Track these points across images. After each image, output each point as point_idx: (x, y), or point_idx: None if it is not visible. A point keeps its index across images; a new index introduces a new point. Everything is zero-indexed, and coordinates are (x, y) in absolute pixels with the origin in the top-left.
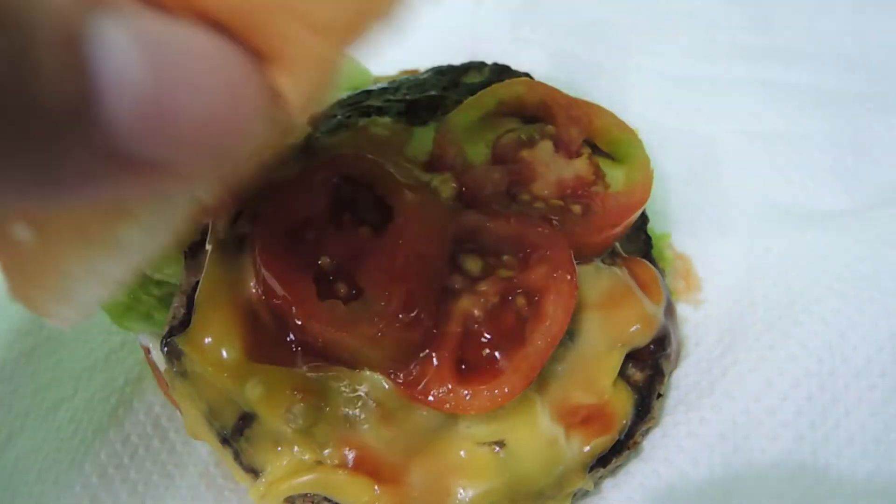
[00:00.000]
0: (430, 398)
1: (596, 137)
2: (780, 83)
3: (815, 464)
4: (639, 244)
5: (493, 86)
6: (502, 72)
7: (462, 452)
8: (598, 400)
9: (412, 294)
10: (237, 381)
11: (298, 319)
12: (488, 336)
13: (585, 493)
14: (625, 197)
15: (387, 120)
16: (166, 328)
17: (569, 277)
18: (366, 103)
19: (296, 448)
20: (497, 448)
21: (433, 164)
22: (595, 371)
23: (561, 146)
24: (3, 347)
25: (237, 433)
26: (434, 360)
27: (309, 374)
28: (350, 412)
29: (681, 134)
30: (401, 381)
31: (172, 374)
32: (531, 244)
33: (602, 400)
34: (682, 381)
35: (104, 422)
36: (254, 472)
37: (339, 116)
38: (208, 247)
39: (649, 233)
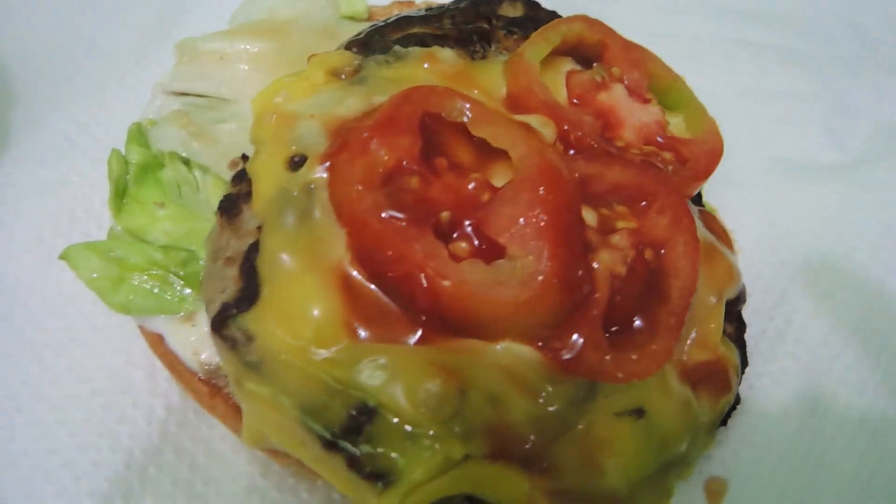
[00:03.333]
0: (589, 368)
1: (650, 83)
2: (758, 43)
3: (877, 405)
4: (693, 197)
5: (555, 21)
6: (534, 7)
7: (605, 425)
8: (713, 356)
9: (564, 250)
10: (345, 366)
11: (428, 283)
12: (627, 294)
13: None
14: (706, 143)
15: (449, 52)
16: (216, 306)
17: (691, 227)
18: (414, 30)
19: (437, 442)
20: (638, 416)
21: (514, 103)
22: (706, 326)
23: (632, 90)
24: None
25: (352, 433)
26: (585, 324)
27: (440, 352)
28: (494, 393)
29: None
30: (550, 351)
31: (240, 367)
32: (649, 192)
33: (716, 355)
34: (747, 330)
35: (96, 439)
36: (379, 479)
37: (393, 46)
38: (260, 200)
39: None
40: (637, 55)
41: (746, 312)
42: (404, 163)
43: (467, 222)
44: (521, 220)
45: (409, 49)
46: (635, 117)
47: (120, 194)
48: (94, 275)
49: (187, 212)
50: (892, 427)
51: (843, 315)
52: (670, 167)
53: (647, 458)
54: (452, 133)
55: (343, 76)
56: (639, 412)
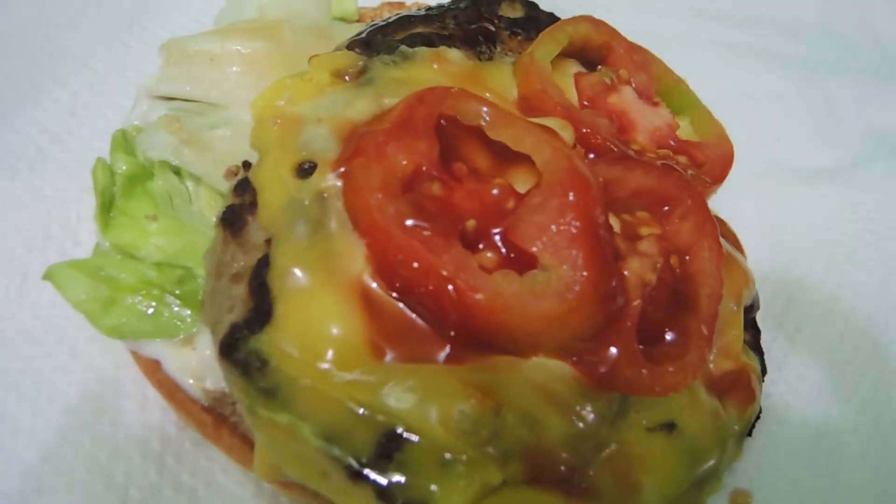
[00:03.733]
0: (626, 382)
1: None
2: (741, 46)
3: (890, 407)
4: None
5: (560, 22)
6: (533, 8)
7: (639, 442)
8: (736, 365)
9: (599, 258)
10: (371, 389)
11: (458, 297)
12: (657, 303)
13: None
14: (718, 147)
15: (457, 52)
16: (223, 328)
17: (714, 232)
18: (419, 30)
19: (473, 468)
20: (669, 431)
21: (527, 105)
22: (729, 334)
23: (640, 93)
24: None
25: (381, 461)
26: (620, 336)
27: (471, 370)
28: (530, 412)
29: None
30: (585, 366)
31: (254, 394)
32: (672, 197)
33: (739, 364)
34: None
35: (87, 477)
36: None
37: (398, 45)
38: (268, 211)
39: None
40: (641, 57)
41: (758, 318)
42: (424, 168)
43: (495, 231)
44: (553, 227)
45: (416, 49)
46: (647, 120)
47: (106, 207)
48: (83, 296)
49: (181, 225)
50: None
51: (851, 319)
52: (689, 171)
53: (681, 473)
54: (467, 137)
55: (347, 77)
56: (670, 426)
